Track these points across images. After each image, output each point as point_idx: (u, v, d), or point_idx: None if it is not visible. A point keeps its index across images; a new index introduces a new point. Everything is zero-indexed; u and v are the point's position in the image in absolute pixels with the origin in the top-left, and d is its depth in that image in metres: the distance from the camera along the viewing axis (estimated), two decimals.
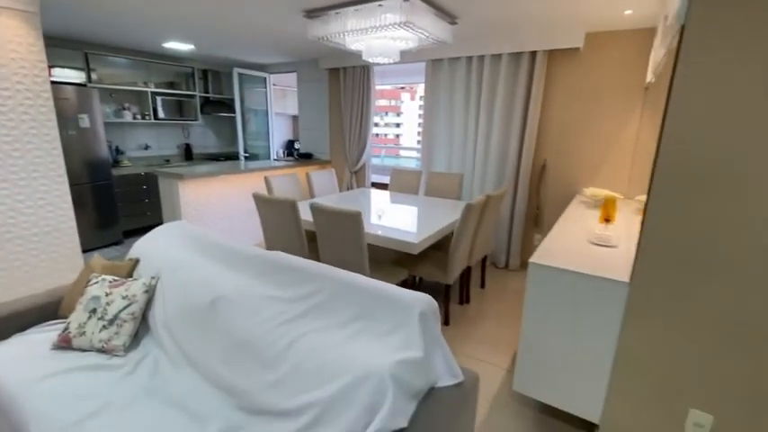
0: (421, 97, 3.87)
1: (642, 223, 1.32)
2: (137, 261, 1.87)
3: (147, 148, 4.76)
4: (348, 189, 4.59)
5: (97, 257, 1.88)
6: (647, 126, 2.74)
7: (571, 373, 1.59)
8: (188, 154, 5.11)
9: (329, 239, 2.34)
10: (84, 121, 3.62)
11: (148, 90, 4.46)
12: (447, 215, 2.74)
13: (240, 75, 4.92)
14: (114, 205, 3.97)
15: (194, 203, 3.46)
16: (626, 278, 1.41)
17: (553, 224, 2.21)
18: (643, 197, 2.01)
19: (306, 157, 4.93)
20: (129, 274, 1.83)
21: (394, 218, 2.68)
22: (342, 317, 1.32)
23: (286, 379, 1.19)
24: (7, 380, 1.37)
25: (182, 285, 1.64)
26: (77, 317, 1.59)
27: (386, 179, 4.52)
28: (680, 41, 1.16)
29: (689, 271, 1.26)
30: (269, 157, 5.47)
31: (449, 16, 2.68)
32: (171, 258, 1.79)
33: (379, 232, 2.31)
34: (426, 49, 3.61)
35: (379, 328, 1.25)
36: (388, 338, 1.21)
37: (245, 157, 5.24)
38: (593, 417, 1.57)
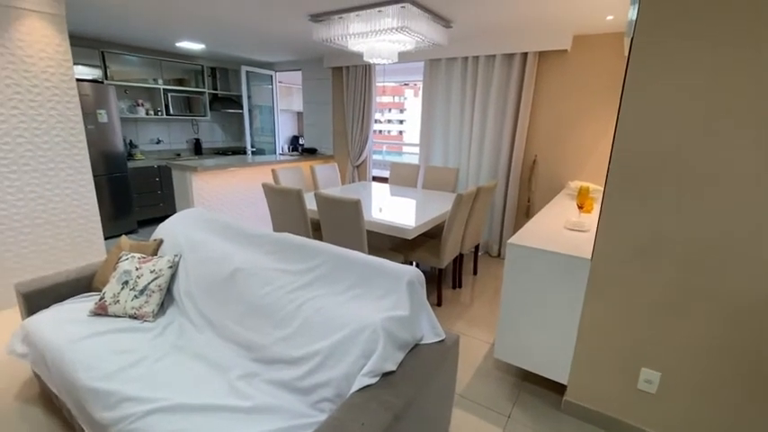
0: None
1: (601, 208, 1.53)
2: (161, 241, 2.09)
3: (158, 142, 5.00)
4: (350, 182, 4.80)
5: (125, 238, 2.11)
6: None
7: (544, 340, 1.80)
8: (197, 148, 5.35)
9: (332, 226, 2.56)
10: (103, 117, 3.85)
11: (160, 87, 4.68)
12: (441, 206, 2.96)
13: (248, 72, 5.13)
14: (129, 196, 4.20)
15: (206, 194, 3.69)
16: (588, 256, 1.62)
17: None
18: None
19: (310, 152, 5.14)
20: (155, 253, 2.06)
21: (392, 207, 2.89)
22: (342, 285, 1.54)
23: (295, 334, 1.42)
24: (55, 339, 1.60)
25: (203, 261, 1.87)
26: (112, 288, 1.82)
27: (387, 173, 4.73)
28: (630, 51, 1.36)
29: (638, 248, 1.47)
30: (275, 152, 5.69)
31: (444, 20, 2.88)
32: (191, 238, 2.02)
33: (380, 216, 2.53)
34: (424, 50, 3.81)
35: (373, 293, 1.47)
36: (381, 301, 1.43)
37: (252, 152, 5.46)
38: (563, 378, 1.79)
